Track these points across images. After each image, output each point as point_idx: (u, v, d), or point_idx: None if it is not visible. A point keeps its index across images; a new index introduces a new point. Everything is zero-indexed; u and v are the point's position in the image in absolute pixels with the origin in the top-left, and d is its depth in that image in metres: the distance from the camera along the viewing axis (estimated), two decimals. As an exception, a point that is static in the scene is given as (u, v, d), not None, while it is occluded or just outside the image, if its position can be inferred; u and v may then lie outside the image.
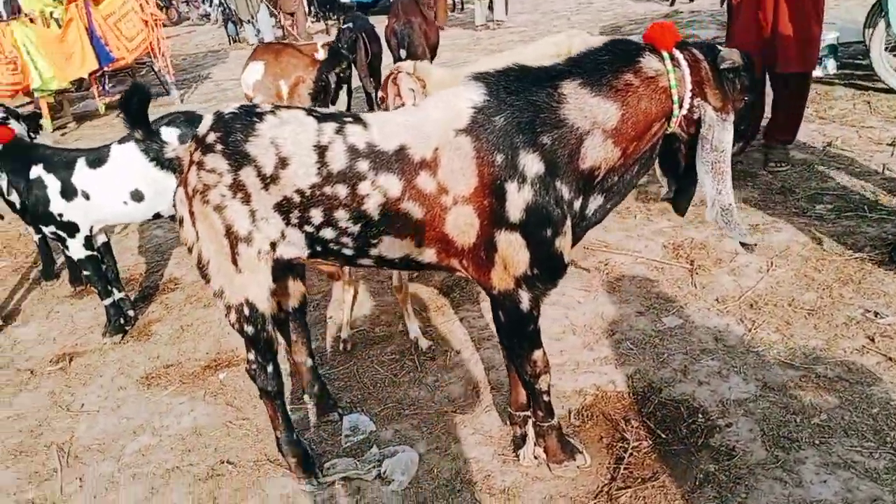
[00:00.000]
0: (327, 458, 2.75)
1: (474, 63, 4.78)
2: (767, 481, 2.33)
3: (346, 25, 6.52)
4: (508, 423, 2.70)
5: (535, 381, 2.39)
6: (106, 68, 9.17)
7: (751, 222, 4.00)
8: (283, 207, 2.24)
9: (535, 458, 2.55)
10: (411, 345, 3.36)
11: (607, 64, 2.11)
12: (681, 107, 2.13)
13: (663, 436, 2.59)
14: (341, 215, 2.22)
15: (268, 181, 2.21)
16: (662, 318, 3.28)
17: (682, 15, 10.96)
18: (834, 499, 2.23)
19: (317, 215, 2.23)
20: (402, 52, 6.28)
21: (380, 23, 7.12)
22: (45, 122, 8.26)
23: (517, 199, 2.11)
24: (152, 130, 2.49)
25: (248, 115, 2.27)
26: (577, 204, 2.18)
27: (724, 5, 4.84)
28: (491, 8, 12.53)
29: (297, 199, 2.22)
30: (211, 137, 2.27)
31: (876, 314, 3.05)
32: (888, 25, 5.66)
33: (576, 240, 2.28)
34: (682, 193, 2.36)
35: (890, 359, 2.79)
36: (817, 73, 6.52)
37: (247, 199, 2.24)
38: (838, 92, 6.09)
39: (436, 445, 2.74)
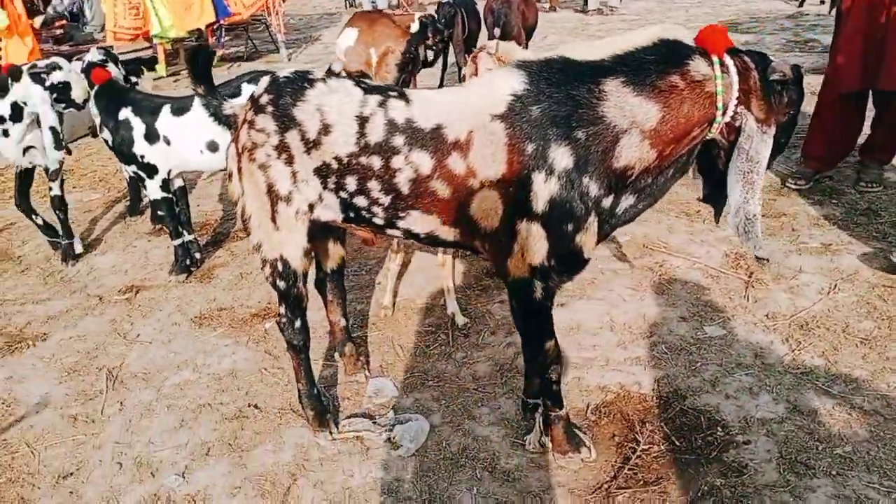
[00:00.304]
0: (346, 416, 2.84)
1: (561, 47, 4.72)
2: (772, 503, 2.25)
3: (446, 0, 6.57)
4: (521, 408, 2.71)
5: (545, 370, 2.39)
6: (222, 21, 9.56)
7: (825, 241, 3.81)
8: (322, 172, 2.32)
9: (541, 445, 2.55)
10: (448, 320, 3.40)
11: (654, 64, 2.06)
12: (724, 113, 2.06)
13: (677, 443, 2.54)
14: (374, 185, 2.27)
15: (310, 145, 2.29)
16: (705, 326, 3.19)
17: (807, 17, 10.40)
18: (838, 533, 2.13)
19: (351, 183, 2.30)
20: (497, 31, 6.26)
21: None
22: (161, 67, 8.75)
23: (543, 191, 2.10)
24: (214, 87, 2.61)
25: (301, 81, 2.35)
26: (607, 202, 2.15)
27: (833, 11, 4.58)
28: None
29: (335, 165, 2.29)
30: (264, 99, 2.36)
31: (935, 352, 2.87)
32: None
33: (602, 237, 2.25)
34: (713, 199, 2.28)
35: (938, 400, 2.62)
36: None
37: (290, 161, 2.33)
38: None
39: (450, 419, 2.78)
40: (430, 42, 5.67)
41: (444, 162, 2.19)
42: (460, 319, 3.38)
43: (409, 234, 2.40)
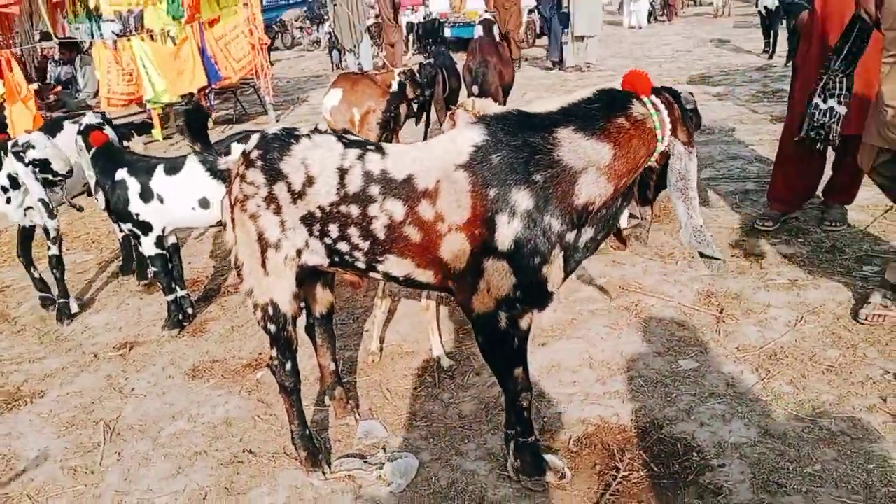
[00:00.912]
0: (337, 457, 2.94)
1: (528, 104, 4.96)
2: (746, 523, 2.37)
3: (427, 61, 6.86)
4: (504, 442, 2.83)
5: (516, 397, 2.54)
6: (213, 86, 9.86)
7: (791, 277, 3.99)
8: (308, 220, 2.49)
9: (515, 469, 2.67)
10: (434, 363, 3.53)
11: (599, 111, 2.29)
12: (663, 142, 2.32)
13: (655, 469, 2.66)
14: (353, 231, 2.45)
15: (296, 196, 2.47)
16: (679, 360, 3.34)
17: (775, 69, 10.83)
18: (808, 547, 2.25)
19: (334, 230, 2.47)
20: (475, 89, 6.54)
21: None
22: (156, 131, 8.99)
23: (507, 231, 2.28)
24: (210, 145, 2.80)
25: (287, 137, 2.55)
26: (570, 236, 2.33)
27: (790, 63, 4.87)
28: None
29: (318, 213, 2.46)
30: (254, 154, 2.55)
31: (895, 375, 3.02)
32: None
33: (568, 272, 2.42)
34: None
35: (899, 420, 2.76)
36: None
37: (278, 211, 2.50)
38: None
39: (439, 456, 2.89)
40: (410, 96, 5.92)
41: (416, 209, 2.37)
42: (445, 362, 3.51)
43: (388, 276, 2.56)
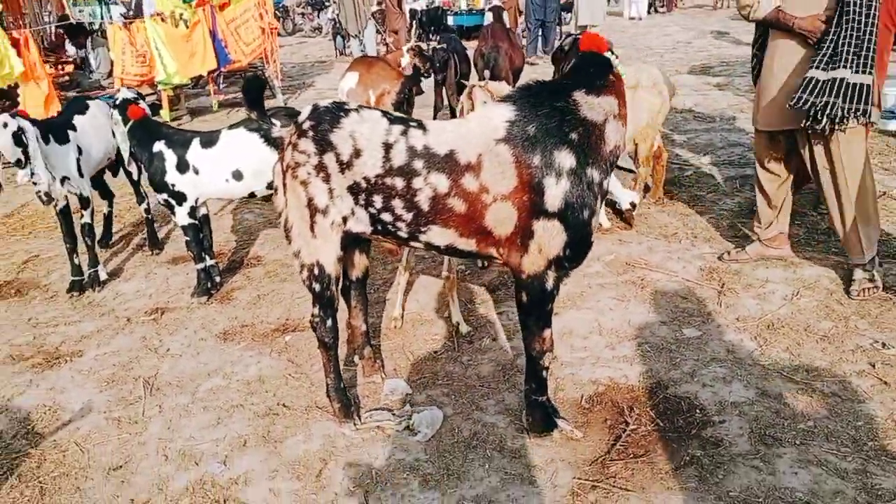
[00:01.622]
0: (366, 410, 3.17)
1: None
2: (745, 468, 2.61)
3: (440, 46, 7.07)
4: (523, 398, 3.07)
5: (540, 356, 2.78)
6: (223, 69, 10.03)
7: (788, 256, 4.23)
8: (354, 190, 2.71)
9: (528, 423, 2.93)
10: (453, 328, 3.76)
11: (595, 73, 2.62)
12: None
13: (661, 424, 2.91)
14: (397, 203, 2.66)
15: (344, 166, 2.69)
16: (683, 329, 3.58)
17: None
18: (801, 488, 2.50)
19: (378, 200, 2.69)
20: (487, 73, 6.75)
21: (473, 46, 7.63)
22: (164, 112, 9.17)
23: (556, 191, 2.52)
24: (265, 113, 3.00)
25: (337, 110, 2.77)
26: (606, 183, 2.64)
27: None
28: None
29: (364, 184, 2.68)
30: (306, 125, 2.77)
31: (883, 344, 3.27)
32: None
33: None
34: None
35: (885, 383, 3.01)
36: (892, 126, 6.63)
37: (327, 179, 2.72)
38: (909, 149, 6.17)
39: (461, 410, 3.13)
40: (421, 70, 6.13)
41: (459, 182, 2.59)
42: (464, 328, 3.74)
43: (429, 245, 2.78)
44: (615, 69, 2.66)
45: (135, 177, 4.30)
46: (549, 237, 2.56)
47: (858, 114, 3.41)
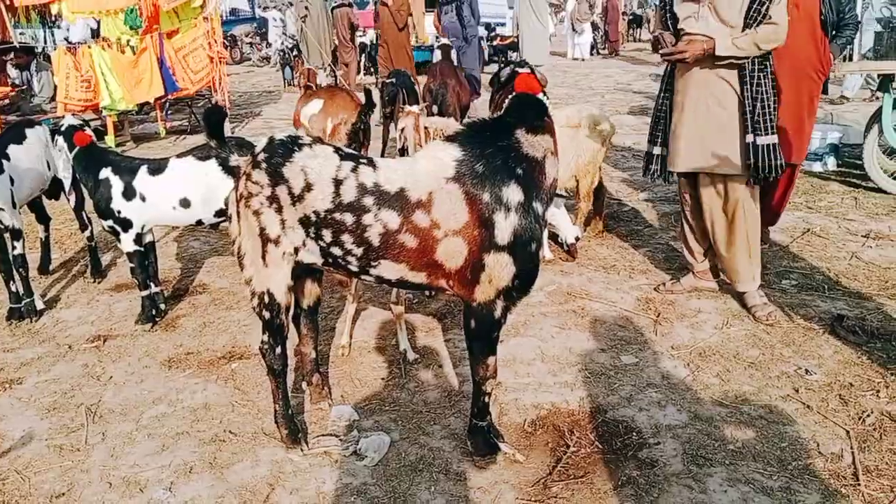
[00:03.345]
0: (314, 436, 3.21)
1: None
2: (678, 487, 2.75)
3: (389, 80, 7.22)
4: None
5: (483, 382, 2.88)
6: (170, 96, 9.99)
7: (718, 288, 4.45)
8: (305, 222, 2.78)
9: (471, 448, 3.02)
10: (400, 356, 3.84)
11: (534, 113, 2.78)
12: None
13: (600, 446, 3.03)
14: (347, 238, 2.75)
15: (295, 199, 2.76)
16: (621, 356, 3.74)
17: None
18: (729, 506, 2.64)
19: (328, 235, 2.77)
20: (435, 109, 6.92)
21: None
22: (109, 138, 9.07)
23: (505, 225, 2.65)
24: (225, 141, 3.06)
25: (291, 144, 2.84)
26: (546, 215, 2.80)
27: None
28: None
29: (314, 218, 2.76)
30: (261, 156, 2.84)
31: (806, 371, 3.47)
32: (881, 132, 6.17)
33: None
34: None
35: (808, 407, 3.21)
36: (817, 167, 7.04)
37: (279, 210, 2.78)
38: (832, 187, 6.56)
39: (407, 436, 3.19)
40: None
41: (410, 218, 2.69)
42: (411, 355, 3.82)
43: (380, 279, 2.87)
44: (547, 110, 2.83)
45: (72, 204, 4.28)
46: (500, 269, 2.68)
47: (780, 171, 3.89)
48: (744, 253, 4.05)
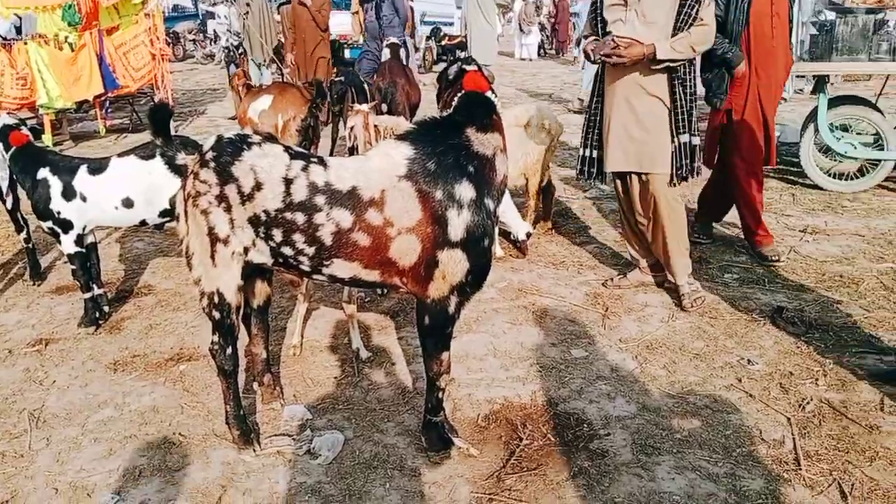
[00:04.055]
0: (266, 436, 3.18)
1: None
2: (628, 476, 2.81)
3: (338, 78, 7.18)
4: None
5: (437, 378, 2.90)
6: (110, 94, 9.74)
7: (664, 282, 4.55)
8: (254, 222, 2.75)
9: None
10: (353, 354, 3.83)
11: (483, 111, 2.81)
12: None
13: (552, 438, 3.08)
14: (298, 238, 2.72)
15: (244, 198, 2.72)
16: (571, 349, 3.80)
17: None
18: (678, 492, 2.71)
19: (278, 234, 2.74)
20: (384, 107, 6.91)
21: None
22: (47, 137, 8.79)
23: (458, 222, 2.66)
24: (171, 140, 2.99)
25: (240, 143, 2.80)
26: (497, 210, 2.80)
27: None
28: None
29: (264, 217, 2.73)
30: (208, 155, 2.79)
31: (749, 361, 3.59)
32: (816, 130, 6.39)
33: None
34: None
35: (751, 395, 3.31)
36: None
37: (228, 209, 2.75)
38: (770, 184, 6.76)
39: (361, 433, 3.19)
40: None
41: (363, 217, 2.68)
42: (364, 353, 3.81)
43: (333, 278, 2.86)
44: (496, 106, 2.86)
45: (8, 206, 4.16)
46: (453, 265, 2.70)
47: (698, 172, 4.10)
48: (674, 247, 4.17)
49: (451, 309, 2.79)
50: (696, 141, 4.04)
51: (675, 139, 3.98)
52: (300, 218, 2.68)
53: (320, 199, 2.68)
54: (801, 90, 10.80)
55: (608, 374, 3.56)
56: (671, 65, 3.85)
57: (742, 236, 5.18)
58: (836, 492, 2.70)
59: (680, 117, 3.94)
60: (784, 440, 3.01)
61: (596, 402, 3.32)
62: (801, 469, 2.82)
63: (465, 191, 2.67)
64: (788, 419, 3.14)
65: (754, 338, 3.84)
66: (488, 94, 2.86)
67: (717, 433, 3.06)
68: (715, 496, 2.69)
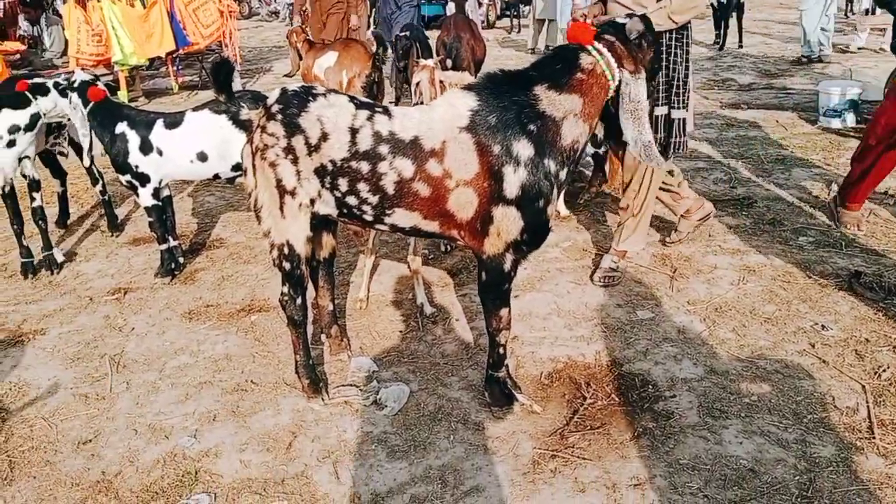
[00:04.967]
0: (334, 386, 3.26)
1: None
2: (694, 438, 2.79)
3: (403, 33, 7.14)
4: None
5: (497, 334, 2.92)
6: (181, 51, 9.92)
7: (736, 244, 4.45)
8: (320, 172, 2.79)
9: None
10: (417, 309, 3.87)
11: (561, 69, 2.71)
12: (614, 80, 2.74)
13: (616, 399, 3.07)
14: (363, 187, 2.76)
15: (311, 149, 2.76)
16: (637, 311, 3.76)
17: (725, 59, 11.38)
18: (746, 456, 2.68)
19: (343, 184, 2.78)
20: (449, 63, 6.84)
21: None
22: (122, 93, 9.03)
23: (514, 179, 2.64)
24: (234, 96, 3.05)
25: (305, 95, 2.84)
26: (563, 174, 2.74)
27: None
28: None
29: (330, 167, 2.77)
30: (274, 108, 2.83)
31: (823, 327, 3.48)
32: (902, 86, 6.06)
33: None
34: (610, 135, 3.06)
35: (824, 362, 3.23)
36: (836, 124, 6.97)
37: (295, 161, 2.79)
38: (851, 144, 6.45)
39: (426, 386, 3.24)
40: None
41: (424, 167, 2.70)
42: (428, 309, 3.85)
43: (394, 227, 2.89)
44: (587, 66, 2.70)
45: (86, 162, 4.30)
46: (508, 222, 2.69)
47: (683, 147, 3.87)
48: (641, 218, 4.09)
49: (507, 266, 2.78)
50: (679, 114, 3.79)
51: (664, 110, 3.80)
52: (365, 167, 2.72)
53: (384, 149, 2.70)
54: (882, 49, 10.29)
55: (675, 336, 3.51)
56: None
57: (817, 196, 5.00)
58: (911, 462, 2.62)
59: (670, 89, 3.76)
60: (858, 408, 2.93)
61: (662, 364, 3.29)
62: (874, 437, 2.74)
63: (524, 149, 2.63)
64: (863, 387, 3.05)
65: (829, 303, 3.72)
66: (589, 48, 2.72)
67: (788, 399, 3.00)
68: (784, 462, 2.64)
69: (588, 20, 3.67)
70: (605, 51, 2.71)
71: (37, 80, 4.45)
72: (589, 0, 4.17)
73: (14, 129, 4.31)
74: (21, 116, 4.31)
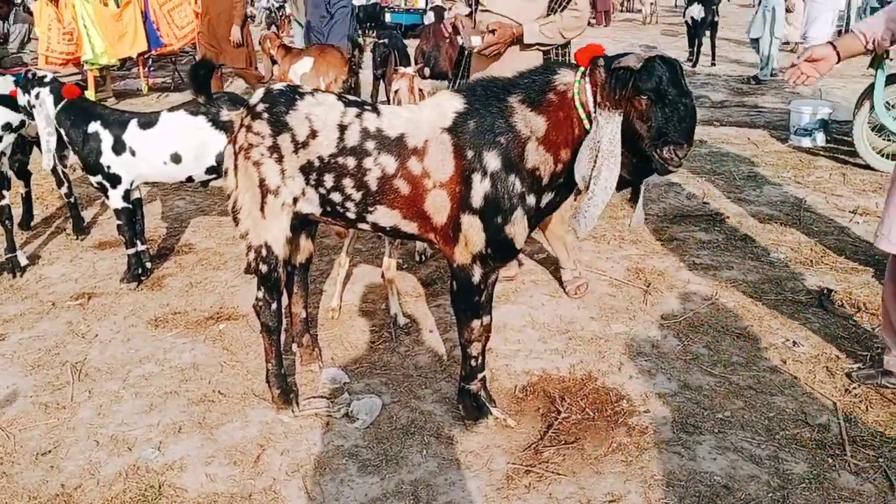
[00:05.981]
0: (305, 398, 3.19)
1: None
2: (667, 454, 2.77)
3: (382, 41, 7.11)
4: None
5: (469, 345, 2.88)
6: (153, 52, 9.78)
7: (709, 259, 4.47)
8: (306, 170, 2.76)
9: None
10: (391, 320, 3.82)
11: (537, 83, 2.58)
12: (585, 110, 2.46)
13: (591, 413, 3.04)
14: (347, 182, 2.73)
15: (298, 146, 2.74)
16: (611, 324, 3.75)
17: (698, 76, 11.51)
18: (719, 473, 2.67)
19: (329, 180, 2.75)
20: (427, 71, 6.83)
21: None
22: (90, 93, 8.86)
23: (479, 188, 2.60)
24: (212, 97, 3.00)
25: (292, 93, 2.83)
26: (531, 199, 2.63)
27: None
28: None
29: (317, 163, 2.74)
30: (260, 107, 2.80)
31: (794, 343, 3.50)
32: (872, 108, 6.17)
33: (532, 227, 2.75)
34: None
35: (796, 378, 3.24)
36: (806, 143, 7.07)
37: (280, 159, 2.76)
38: (820, 162, 6.58)
39: (398, 399, 3.19)
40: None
41: (406, 164, 2.67)
42: (401, 319, 3.81)
43: (376, 227, 2.85)
44: (560, 88, 2.51)
45: (49, 163, 4.20)
46: (472, 232, 2.65)
47: None
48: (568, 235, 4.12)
49: (476, 278, 2.73)
50: None
51: None
52: (351, 162, 2.70)
53: (370, 145, 2.69)
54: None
55: (649, 350, 3.50)
56: (540, 48, 3.63)
57: (788, 214, 5.04)
58: (882, 479, 2.63)
59: None
60: (829, 424, 2.94)
61: (636, 378, 3.27)
62: (846, 454, 2.75)
63: (491, 160, 2.57)
64: (834, 404, 3.06)
65: (801, 320, 3.74)
66: (572, 70, 2.50)
67: (761, 415, 3.00)
68: (757, 478, 2.64)
69: (452, 19, 3.67)
70: (586, 78, 2.47)
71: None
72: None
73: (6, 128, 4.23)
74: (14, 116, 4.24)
